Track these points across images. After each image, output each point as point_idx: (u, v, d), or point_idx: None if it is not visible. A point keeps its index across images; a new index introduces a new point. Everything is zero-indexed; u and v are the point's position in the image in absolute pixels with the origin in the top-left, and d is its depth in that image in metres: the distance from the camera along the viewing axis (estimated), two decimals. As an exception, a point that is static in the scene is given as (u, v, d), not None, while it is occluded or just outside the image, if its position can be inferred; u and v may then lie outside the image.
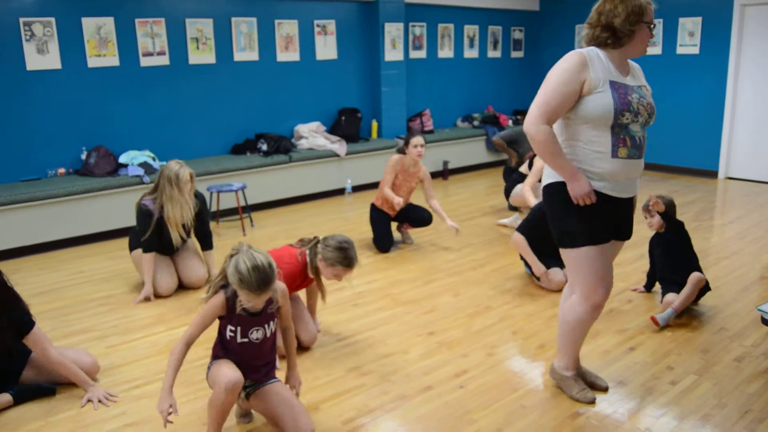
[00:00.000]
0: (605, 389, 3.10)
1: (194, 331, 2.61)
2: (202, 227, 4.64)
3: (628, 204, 2.85)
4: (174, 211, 4.33)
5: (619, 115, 2.60)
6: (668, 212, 3.97)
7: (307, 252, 3.41)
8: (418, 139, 5.23)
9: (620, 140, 2.64)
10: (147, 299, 4.36)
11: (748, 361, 3.37)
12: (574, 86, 2.61)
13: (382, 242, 5.38)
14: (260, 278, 2.44)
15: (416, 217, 5.48)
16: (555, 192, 2.78)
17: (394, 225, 5.68)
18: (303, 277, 3.44)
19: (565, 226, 2.79)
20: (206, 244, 4.70)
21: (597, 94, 2.60)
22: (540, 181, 5.62)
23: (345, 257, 3.27)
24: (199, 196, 4.58)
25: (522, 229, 4.50)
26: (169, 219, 4.34)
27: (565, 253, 2.84)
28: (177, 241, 4.44)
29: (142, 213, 4.35)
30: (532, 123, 2.65)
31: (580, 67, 2.61)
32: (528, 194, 5.29)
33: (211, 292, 2.64)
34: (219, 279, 2.63)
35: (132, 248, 4.58)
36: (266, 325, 2.67)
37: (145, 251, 4.36)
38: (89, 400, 3.09)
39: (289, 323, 2.86)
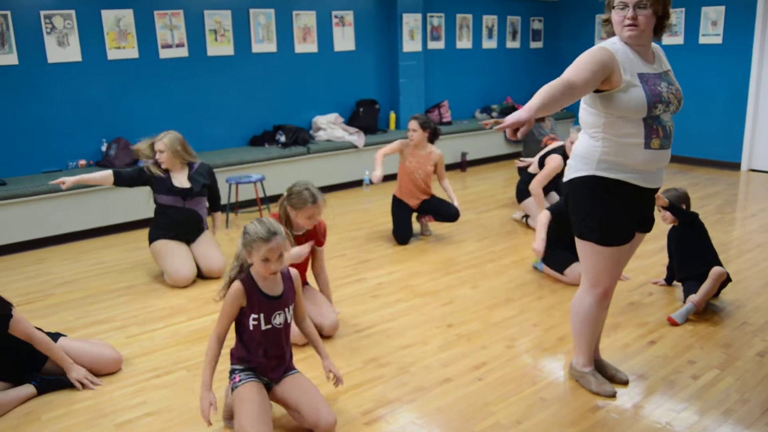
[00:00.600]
0: (625, 382, 3.08)
1: (221, 325, 2.65)
2: (214, 192, 4.84)
3: (654, 195, 2.83)
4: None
5: (653, 107, 2.55)
6: (675, 205, 3.91)
7: (280, 212, 3.55)
8: (412, 123, 5.22)
9: (653, 131, 2.60)
10: None
11: (772, 355, 3.33)
12: (603, 70, 2.54)
13: (402, 234, 5.36)
14: (268, 227, 2.57)
15: (443, 212, 5.40)
16: (581, 186, 2.74)
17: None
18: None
19: (588, 222, 2.77)
20: (214, 206, 4.92)
21: (629, 89, 2.55)
22: (551, 185, 5.61)
23: (309, 195, 3.42)
24: (204, 167, 4.74)
25: (553, 209, 4.47)
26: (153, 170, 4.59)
27: (581, 242, 2.84)
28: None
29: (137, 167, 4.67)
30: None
31: (609, 60, 2.55)
32: (533, 207, 5.02)
33: (227, 282, 2.67)
34: (232, 267, 2.68)
35: (151, 241, 4.63)
36: (286, 309, 2.70)
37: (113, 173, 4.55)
38: (81, 384, 3.14)
39: (303, 315, 2.88)
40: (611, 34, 2.70)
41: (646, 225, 2.88)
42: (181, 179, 4.57)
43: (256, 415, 2.54)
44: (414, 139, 5.20)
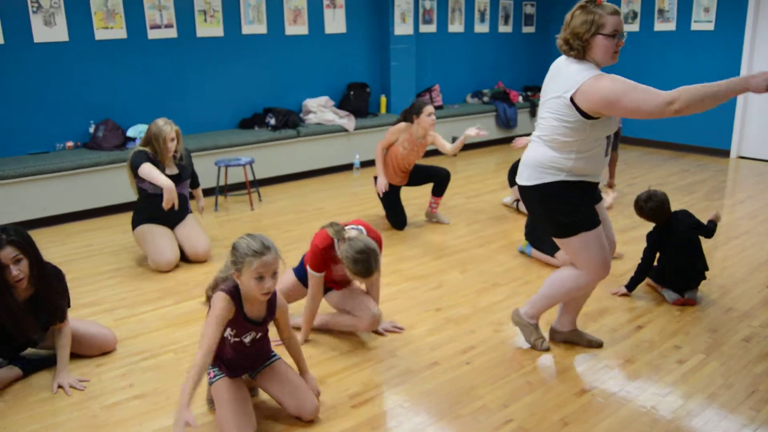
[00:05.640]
0: (600, 345, 3.30)
1: (210, 335, 2.42)
2: (194, 171, 4.84)
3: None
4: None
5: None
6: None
7: (335, 239, 3.17)
8: (431, 108, 5.08)
9: (608, 142, 2.88)
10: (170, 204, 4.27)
11: (756, 341, 3.35)
12: None
13: (396, 219, 5.31)
14: (261, 240, 2.43)
15: (434, 172, 5.30)
16: (544, 191, 2.88)
17: (417, 208, 5.57)
18: (330, 252, 3.20)
19: (570, 216, 2.89)
20: (195, 183, 4.93)
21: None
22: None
23: (364, 269, 3.02)
24: (185, 149, 4.71)
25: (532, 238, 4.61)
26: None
27: (568, 242, 2.94)
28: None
29: (135, 153, 4.42)
30: (666, 103, 2.77)
31: None
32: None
33: (212, 285, 2.61)
34: (219, 276, 2.60)
35: (134, 226, 4.58)
36: (259, 333, 2.64)
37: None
38: (60, 386, 2.98)
39: (290, 334, 2.79)
40: (577, 52, 2.75)
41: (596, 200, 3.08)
42: (170, 167, 4.54)
43: (232, 416, 2.51)
44: (434, 124, 5.12)
